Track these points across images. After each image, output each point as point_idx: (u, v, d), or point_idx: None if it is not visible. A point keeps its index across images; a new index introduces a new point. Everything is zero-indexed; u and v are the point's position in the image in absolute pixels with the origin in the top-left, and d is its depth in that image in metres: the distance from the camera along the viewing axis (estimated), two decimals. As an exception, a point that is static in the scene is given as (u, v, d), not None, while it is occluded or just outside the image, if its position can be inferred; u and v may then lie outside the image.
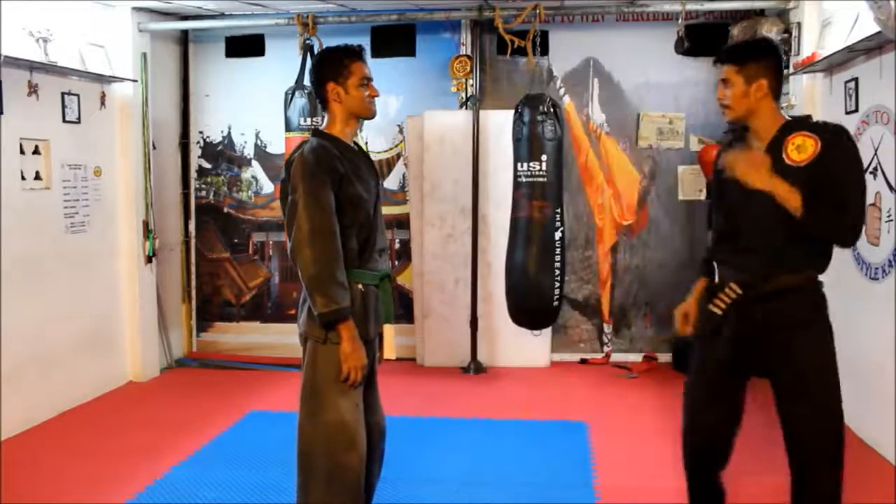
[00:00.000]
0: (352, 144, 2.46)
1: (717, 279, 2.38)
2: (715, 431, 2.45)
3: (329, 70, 2.40)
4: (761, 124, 2.28)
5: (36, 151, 4.28)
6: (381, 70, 4.76)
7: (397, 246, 5.63)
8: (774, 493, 3.25)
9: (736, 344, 2.32)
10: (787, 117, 2.32)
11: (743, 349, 2.32)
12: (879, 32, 3.35)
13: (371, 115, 2.48)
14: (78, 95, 4.56)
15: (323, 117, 2.51)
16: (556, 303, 4.70)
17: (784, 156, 2.20)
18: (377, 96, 2.46)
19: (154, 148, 5.21)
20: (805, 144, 2.19)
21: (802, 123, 2.27)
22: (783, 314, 2.29)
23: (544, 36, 5.30)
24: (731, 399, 2.43)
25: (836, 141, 2.20)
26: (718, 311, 2.31)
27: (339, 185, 2.31)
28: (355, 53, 2.42)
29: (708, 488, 2.53)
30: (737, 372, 2.39)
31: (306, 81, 4.82)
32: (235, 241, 5.81)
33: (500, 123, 5.10)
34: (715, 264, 2.40)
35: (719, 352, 2.34)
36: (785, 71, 4.64)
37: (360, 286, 2.39)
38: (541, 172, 4.60)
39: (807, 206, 2.14)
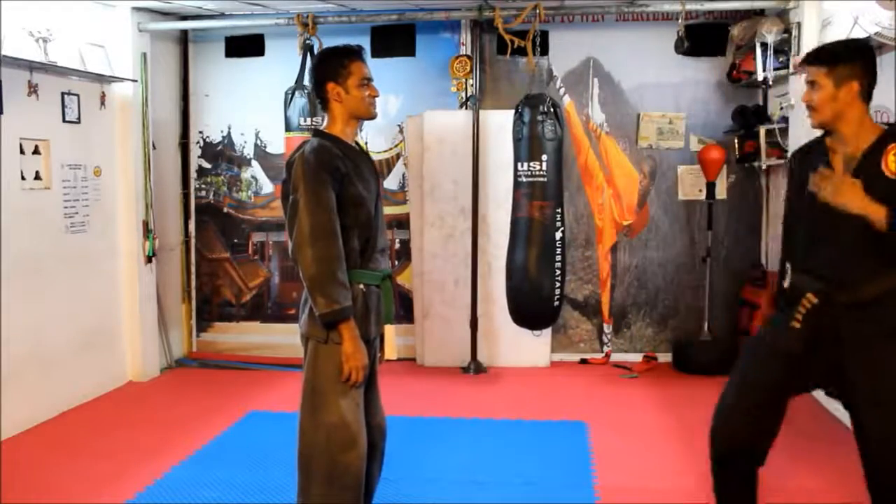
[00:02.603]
0: (353, 144, 2.46)
1: (787, 285, 2.32)
2: (755, 436, 2.38)
3: (329, 70, 2.40)
4: (850, 130, 2.21)
5: (36, 151, 4.28)
6: (381, 70, 4.76)
7: (397, 246, 5.63)
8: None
9: (806, 353, 2.23)
10: (883, 125, 2.24)
11: (813, 359, 2.24)
12: (877, 33, 3.35)
13: (371, 116, 2.48)
14: (78, 95, 4.56)
15: (323, 117, 2.51)
16: (556, 303, 4.70)
17: (884, 166, 2.12)
18: (377, 96, 2.46)
19: (154, 148, 5.21)
20: None
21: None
22: (864, 324, 2.18)
23: (544, 36, 5.30)
24: (778, 405, 2.35)
25: None
26: (797, 325, 2.22)
27: (340, 185, 2.31)
28: (355, 53, 2.42)
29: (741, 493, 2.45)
30: (795, 381, 2.32)
31: (306, 81, 4.82)
32: (235, 241, 5.80)
33: (500, 123, 5.10)
34: (788, 269, 2.33)
35: (781, 361, 2.27)
36: (784, 71, 4.68)
37: (361, 286, 2.39)
38: (541, 172, 4.61)
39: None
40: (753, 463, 2.40)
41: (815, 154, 2.31)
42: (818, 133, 2.36)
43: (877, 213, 2.04)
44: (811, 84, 2.22)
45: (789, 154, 2.54)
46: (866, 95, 2.21)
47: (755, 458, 2.39)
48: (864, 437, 2.21)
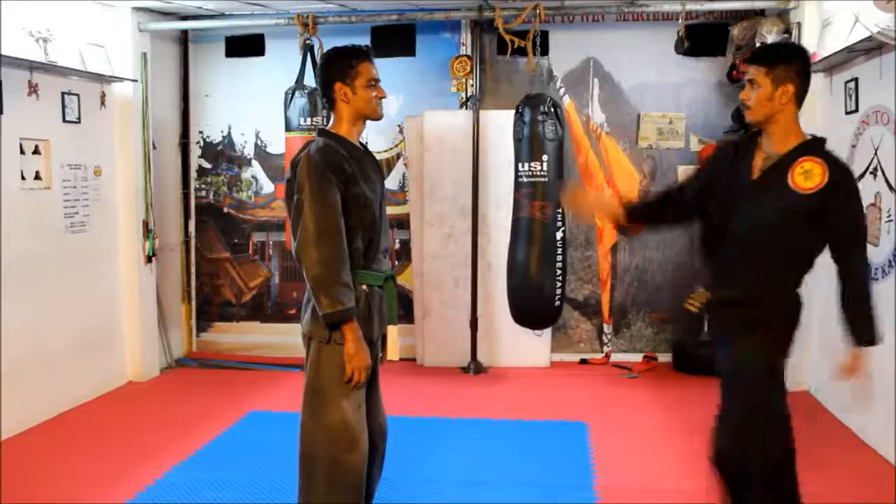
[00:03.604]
0: (358, 145, 2.46)
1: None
2: None
3: (337, 70, 2.40)
4: (779, 132, 2.26)
5: (36, 151, 4.27)
6: (382, 70, 4.71)
7: (397, 246, 5.63)
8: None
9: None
10: (806, 135, 2.29)
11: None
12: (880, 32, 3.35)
13: (378, 117, 2.48)
14: (78, 95, 4.56)
15: (326, 117, 2.51)
16: (557, 302, 4.70)
17: (790, 178, 2.20)
18: (384, 97, 2.46)
19: (154, 148, 5.21)
20: (813, 172, 2.18)
21: (815, 147, 2.26)
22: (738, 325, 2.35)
23: (544, 36, 5.30)
24: None
25: (845, 179, 2.21)
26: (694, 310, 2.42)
27: (345, 186, 2.31)
28: (363, 54, 2.42)
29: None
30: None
31: (306, 81, 4.82)
32: (235, 241, 5.80)
33: (500, 123, 5.10)
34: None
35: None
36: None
37: (364, 287, 2.39)
38: (542, 172, 4.61)
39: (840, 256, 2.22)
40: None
41: (749, 148, 2.36)
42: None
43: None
44: (750, 83, 2.26)
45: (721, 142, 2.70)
46: (799, 100, 2.26)
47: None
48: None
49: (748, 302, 2.31)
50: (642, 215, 2.59)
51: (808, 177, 2.18)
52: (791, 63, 2.24)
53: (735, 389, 2.38)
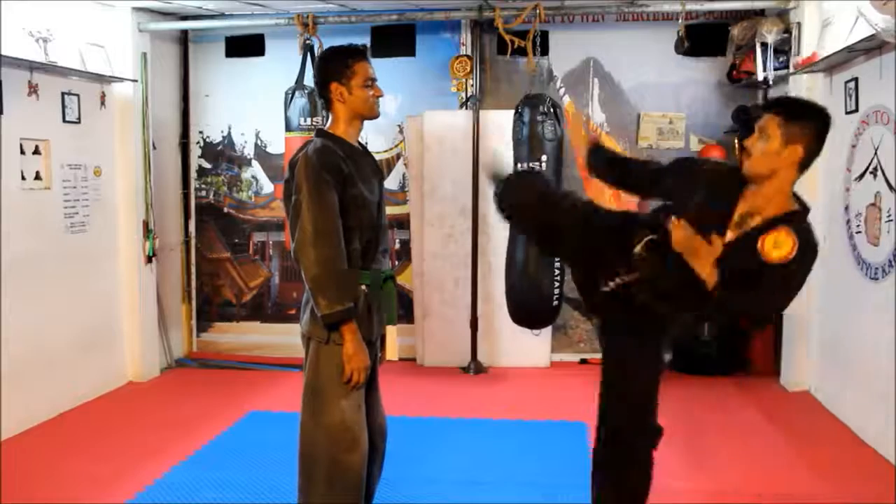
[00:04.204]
0: (356, 145, 2.46)
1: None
2: None
3: (333, 70, 2.39)
4: (772, 190, 2.09)
5: (36, 151, 4.27)
6: (381, 70, 4.70)
7: (397, 246, 5.63)
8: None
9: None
10: (794, 203, 2.13)
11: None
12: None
13: (375, 115, 2.48)
14: (78, 95, 4.56)
15: (324, 117, 2.51)
16: (555, 302, 4.70)
17: (760, 245, 2.04)
18: (381, 96, 2.46)
19: (154, 148, 5.21)
20: (785, 244, 2.03)
21: (797, 220, 2.09)
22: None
23: (544, 36, 5.30)
24: None
25: (805, 255, 2.05)
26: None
27: (342, 186, 2.30)
28: (359, 53, 2.42)
29: None
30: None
31: (306, 81, 4.82)
32: (235, 241, 5.81)
33: (500, 123, 5.10)
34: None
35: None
36: (784, 71, 4.68)
37: (363, 287, 2.39)
38: (541, 172, 4.60)
39: (728, 289, 2.05)
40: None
41: (726, 186, 2.19)
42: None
43: (710, 279, 2.05)
44: (762, 131, 2.08)
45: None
46: (804, 166, 2.09)
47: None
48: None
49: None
50: (605, 159, 2.66)
51: (777, 247, 2.03)
52: (809, 123, 2.06)
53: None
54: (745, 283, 2.04)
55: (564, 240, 2.53)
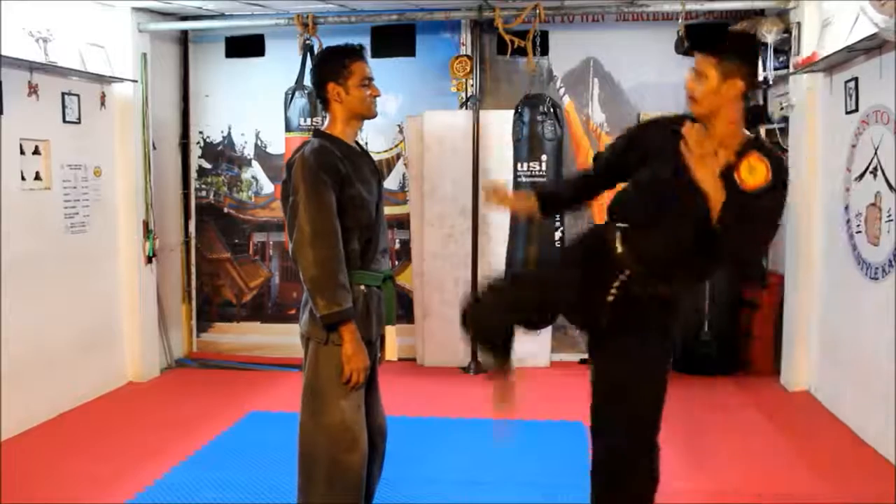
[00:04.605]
0: (353, 145, 2.45)
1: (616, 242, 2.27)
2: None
3: (330, 70, 2.39)
4: (724, 129, 2.12)
5: (36, 152, 4.27)
6: (381, 70, 4.74)
7: (397, 246, 5.63)
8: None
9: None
10: (746, 133, 2.17)
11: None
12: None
13: (372, 115, 2.47)
14: (78, 95, 4.56)
15: (324, 118, 2.51)
16: (556, 303, 4.69)
17: (737, 173, 2.06)
18: (378, 96, 2.46)
19: (154, 148, 5.21)
20: (758, 169, 2.06)
21: (756, 143, 2.14)
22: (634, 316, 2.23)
23: (544, 36, 5.30)
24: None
25: (779, 178, 2.08)
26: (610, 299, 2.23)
27: (340, 187, 2.30)
28: (356, 53, 2.41)
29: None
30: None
31: (306, 81, 4.82)
32: (236, 241, 5.81)
33: (500, 123, 5.10)
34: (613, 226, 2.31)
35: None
36: (784, 71, 4.68)
37: (362, 287, 2.39)
38: (541, 172, 4.61)
39: (727, 226, 2.05)
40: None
41: (674, 134, 2.19)
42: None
43: (717, 201, 2.03)
44: (697, 73, 2.11)
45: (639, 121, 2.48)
46: (747, 97, 2.14)
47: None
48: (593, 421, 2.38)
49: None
50: (556, 205, 2.58)
51: (752, 172, 2.06)
52: (741, 57, 2.10)
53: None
54: (736, 216, 2.04)
55: (550, 306, 2.48)
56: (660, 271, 2.19)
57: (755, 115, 5.08)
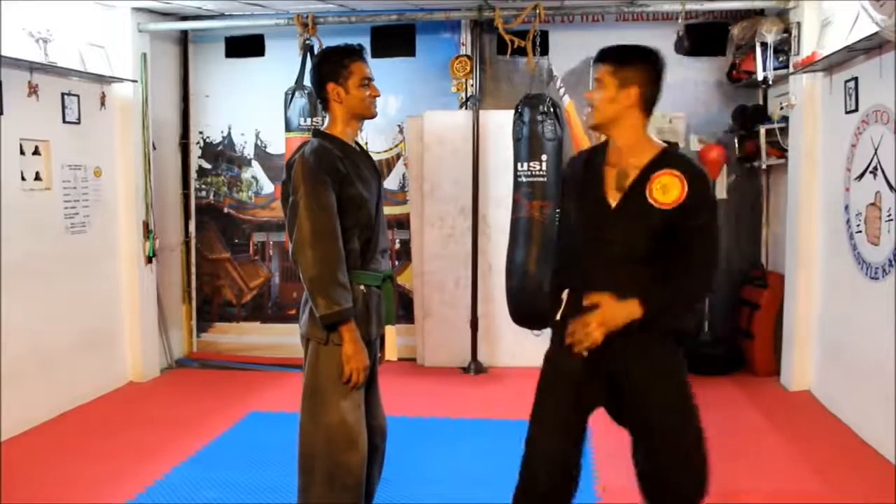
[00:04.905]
0: (353, 145, 2.46)
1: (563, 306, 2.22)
2: (562, 465, 2.32)
3: (329, 70, 2.39)
4: (625, 139, 2.13)
5: (36, 152, 4.28)
6: (381, 70, 4.75)
7: (397, 246, 5.63)
8: None
9: (588, 376, 2.20)
10: (659, 142, 2.16)
11: (594, 381, 2.21)
12: (879, 32, 3.35)
13: (372, 115, 2.48)
14: (78, 96, 4.56)
15: (323, 118, 2.51)
16: (556, 303, 4.70)
17: (648, 194, 2.06)
18: (378, 96, 2.46)
19: (154, 148, 5.21)
20: (671, 185, 2.06)
21: (670, 158, 2.12)
22: (632, 353, 2.14)
23: (544, 36, 5.30)
24: (577, 429, 2.32)
25: (696, 185, 2.07)
26: (583, 354, 2.14)
27: (340, 186, 2.31)
28: (356, 53, 2.42)
29: None
30: (584, 405, 2.29)
31: (306, 81, 4.82)
32: (236, 241, 5.81)
33: (500, 123, 5.10)
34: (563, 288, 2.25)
35: (570, 385, 2.26)
36: (784, 71, 4.67)
37: (361, 287, 2.39)
38: (541, 172, 4.61)
39: (656, 306, 2.05)
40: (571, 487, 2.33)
41: (597, 162, 2.20)
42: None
43: (637, 311, 2.04)
44: (597, 82, 2.14)
45: (569, 160, 2.43)
46: (647, 106, 2.14)
47: (571, 482, 2.33)
48: (650, 445, 2.24)
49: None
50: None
51: (665, 191, 2.06)
52: (639, 65, 2.11)
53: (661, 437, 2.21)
54: (674, 239, 2.05)
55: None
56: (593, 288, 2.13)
57: (755, 115, 5.09)
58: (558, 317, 2.24)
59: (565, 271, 2.28)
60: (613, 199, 2.13)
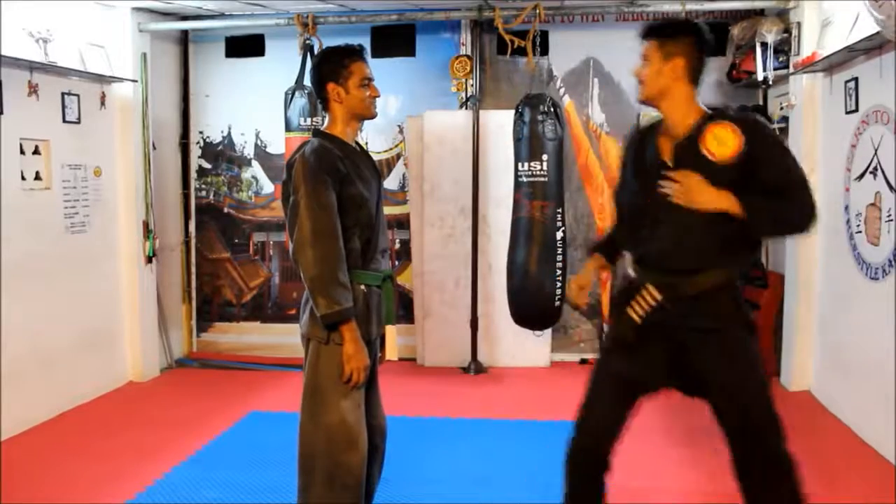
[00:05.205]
0: (353, 145, 2.46)
1: (631, 274, 2.28)
2: (605, 433, 2.35)
3: (330, 70, 2.39)
4: (675, 109, 2.18)
5: (36, 151, 4.28)
6: (381, 70, 4.75)
7: (397, 246, 5.63)
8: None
9: (643, 345, 2.21)
10: (706, 109, 2.19)
11: (651, 353, 2.21)
12: (879, 32, 3.35)
13: (372, 116, 2.48)
14: (78, 95, 4.56)
15: (323, 118, 2.51)
16: (557, 303, 4.70)
17: (703, 149, 2.08)
18: (378, 97, 2.46)
19: (154, 148, 5.21)
20: (725, 137, 2.07)
21: (720, 115, 2.16)
22: (705, 317, 2.15)
23: (544, 36, 5.30)
24: (628, 404, 2.31)
25: (757, 131, 2.08)
26: (637, 319, 2.19)
27: (340, 186, 2.31)
28: (356, 53, 2.42)
29: (589, 489, 2.40)
30: (645, 380, 2.28)
31: (306, 81, 4.82)
32: (236, 241, 5.81)
33: (500, 123, 5.10)
34: (628, 257, 2.30)
35: (630, 358, 2.24)
36: (784, 71, 4.67)
37: (362, 287, 2.39)
38: (541, 172, 4.61)
39: (751, 208, 2.03)
40: (600, 466, 2.34)
41: (652, 134, 2.27)
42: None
43: (734, 207, 2.04)
44: (644, 58, 2.20)
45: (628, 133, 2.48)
46: (693, 76, 2.18)
47: (600, 459, 2.34)
48: (725, 423, 2.21)
49: (714, 294, 2.14)
50: (614, 252, 2.54)
51: (720, 142, 2.07)
52: (682, 37, 2.16)
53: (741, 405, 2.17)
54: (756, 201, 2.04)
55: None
56: (680, 266, 2.15)
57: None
58: (615, 293, 2.30)
59: (628, 242, 2.32)
60: (670, 162, 2.16)
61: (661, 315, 2.17)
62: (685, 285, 2.14)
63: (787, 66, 4.68)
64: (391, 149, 5.60)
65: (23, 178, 4.17)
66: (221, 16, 5.33)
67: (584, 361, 5.49)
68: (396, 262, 5.62)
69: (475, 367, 5.23)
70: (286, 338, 5.56)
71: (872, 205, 3.73)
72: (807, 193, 2.08)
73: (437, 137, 5.28)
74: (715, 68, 5.33)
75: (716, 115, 2.16)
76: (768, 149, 2.09)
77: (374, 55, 5.30)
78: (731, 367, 2.15)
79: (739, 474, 2.21)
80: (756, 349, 2.21)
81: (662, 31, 2.19)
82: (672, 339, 2.18)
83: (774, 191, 2.06)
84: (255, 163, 5.74)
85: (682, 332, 2.16)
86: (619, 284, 2.34)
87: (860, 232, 3.88)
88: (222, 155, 5.77)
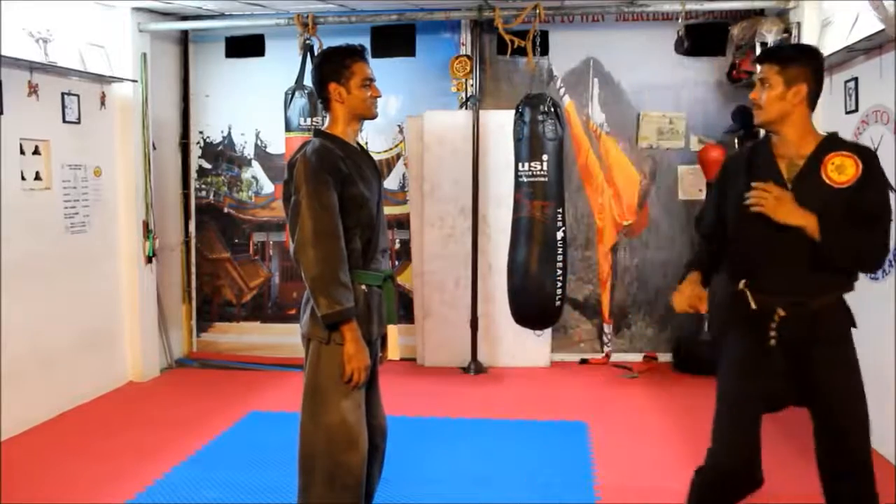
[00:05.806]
0: (354, 145, 2.46)
1: (748, 299, 2.28)
2: (753, 452, 2.35)
3: (331, 70, 2.39)
4: (794, 133, 2.21)
5: (36, 152, 4.28)
6: (381, 70, 4.75)
7: (397, 246, 5.63)
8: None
9: (780, 369, 2.26)
10: (821, 132, 2.25)
11: (787, 374, 2.27)
12: (879, 32, 3.35)
13: (373, 116, 2.48)
14: (78, 96, 4.56)
15: (324, 118, 2.51)
16: (558, 303, 4.70)
17: (824, 175, 2.16)
18: (379, 97, 2.46)
19: (154, 148, 5.21)
20: (845, 165, 2.15)
21: (839, 142, 2.22)
22: (829, 331, 2.26)
23: (544, 36, 5.30)
24: (760, 421, 2.35)
25: (873, 165, 2.17)
26: (772, 342, 2.23)
27: (341, 186, 2.31)
28: (357, 53, 2.42)
29: None
30: (779, 396, 2.34)
31: (306, 81, 4.82)
32: (236, 241, 5.81)
33: (500, 123, 5.10)
34: (743, 284, 2.29)
35: (763, 377, 2.29)
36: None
37: (363, 287, 2.39)
38: (542, 172, 4.61)
39: (827, 232, 2.11)
40: (753, 485, 2.35)
41: (764, 154, 2.29)
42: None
43: (811, 225, 2.11)
44: (762, 82, 2.22)
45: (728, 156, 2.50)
46: (812, 101, 2.22)
47: (754, 478, 2.35)
48: (831, 430, 2.34)
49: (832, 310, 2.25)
50: (709, 273, 2.52)
51: (840, 171, 2.15)
52: (804, 63, 2.20)
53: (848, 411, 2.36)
54: (839, 221, 2.12)
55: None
56: (807, 286, 2.22)
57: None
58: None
59: (739, 266, 2.33)
60: (789, 183, 2.20)
61: (787, 332, 2.23)
62: (812, 303, 2.22)
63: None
64: (391, 149, 5.60)
65: (23, 178, 4.17)
66: (221, 16, 5.33)
67: (584, 361, 5.49)
68: (396, 262, 5.62)
69: (475, 367, 5.23)
70: (286, 338, 5.56)
71: (873, 205, 3.73)
72: (886, 234, 2.19)
73: (437, 137, 5.28)
74: (715, 68, 5.33)
75: (832, 141, 2.22)
76: (875, 178, 2.18)
77: (374, 55, 5.29)
78: (849, 376, 2.32)
79: (834, 475, 2.37)
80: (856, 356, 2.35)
81: (784, 56, 2.22)
82: (800, 354, 2.25)
83: (860, 218, 2.15)
84: (255, 163, 5.74)
85: (809, 346, 2.24)
86: (721, 302, 2.39)
87: (860, 232, 3.88)
88: (222, 155, 5.77)
